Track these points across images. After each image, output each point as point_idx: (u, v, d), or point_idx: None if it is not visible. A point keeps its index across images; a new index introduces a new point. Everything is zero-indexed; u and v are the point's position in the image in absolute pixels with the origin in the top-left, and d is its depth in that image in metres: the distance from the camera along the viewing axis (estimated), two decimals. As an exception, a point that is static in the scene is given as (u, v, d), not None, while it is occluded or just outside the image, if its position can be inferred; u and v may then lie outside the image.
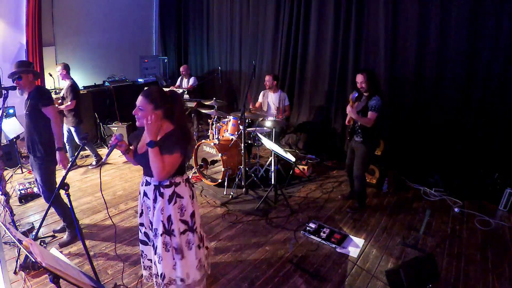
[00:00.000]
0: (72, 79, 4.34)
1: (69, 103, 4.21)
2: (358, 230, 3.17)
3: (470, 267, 2.64)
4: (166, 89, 1.95)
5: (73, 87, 4.26)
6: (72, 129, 4.38)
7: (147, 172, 1.88)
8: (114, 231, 3.03)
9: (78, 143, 4.61)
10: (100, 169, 2.31)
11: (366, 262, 2.72)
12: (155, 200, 1.87)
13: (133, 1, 7.08)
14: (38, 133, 2.65)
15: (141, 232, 2.02)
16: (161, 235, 1.86)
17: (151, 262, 2.02)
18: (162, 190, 1.85)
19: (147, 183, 1.91)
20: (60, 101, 4.30)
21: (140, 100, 1.78)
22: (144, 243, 2.03)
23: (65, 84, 4.33)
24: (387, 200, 3.80)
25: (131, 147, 2.00)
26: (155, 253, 1.92)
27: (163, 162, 1.74)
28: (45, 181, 2.72)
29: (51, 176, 2.77)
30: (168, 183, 1.85)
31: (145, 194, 1.92)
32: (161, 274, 1.89)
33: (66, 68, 4.28)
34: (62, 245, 2.84)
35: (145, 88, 1.86)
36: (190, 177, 2.01)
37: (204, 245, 2.11)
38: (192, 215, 1.95)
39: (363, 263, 2.70)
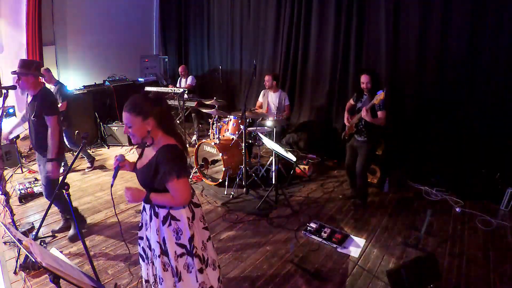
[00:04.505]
0: (58, 81, 4.36)
1: (59, 105, 4.13)
2: (359, 230, 3.17)
3: (471, 267, 2.63)
4: (149, 88, 1.73)
5: (61, 89, 4.25)
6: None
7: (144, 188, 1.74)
8: (118, 230, 3.02)
9: (69, 146, 4.42)
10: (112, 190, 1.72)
11: (367, 262, 2.71)
12: (150, 219, 1.73)
13: (133, 1, 7.07)
14: (47, 137, 2.60)
15: (139, 245, 1.89)
16: (159, 256, 1.73)
17: (149, 283, 1.89)
18: (156, 209, 1.69)
19: None
20: None
21: (125, 117, 1.57)
22: (142, 258, 1.89)
23: (52, 88, 4.25)
24: (388, 200, 3.79)
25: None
26: (153, 274, 1.81)
27: (170, 196, 1.59)
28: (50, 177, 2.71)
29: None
30: None
31: (144, 208, 1.79)
32: None
33: (48, 72, 4.22)
34: (71, 239, 2.87)
35: (126, 102, 1.60)
36: (193, 197, 1.80)
37: (209, 267, 1.88)
38: (191, 238, 1.72)
39: (364, 263, 2.69)
